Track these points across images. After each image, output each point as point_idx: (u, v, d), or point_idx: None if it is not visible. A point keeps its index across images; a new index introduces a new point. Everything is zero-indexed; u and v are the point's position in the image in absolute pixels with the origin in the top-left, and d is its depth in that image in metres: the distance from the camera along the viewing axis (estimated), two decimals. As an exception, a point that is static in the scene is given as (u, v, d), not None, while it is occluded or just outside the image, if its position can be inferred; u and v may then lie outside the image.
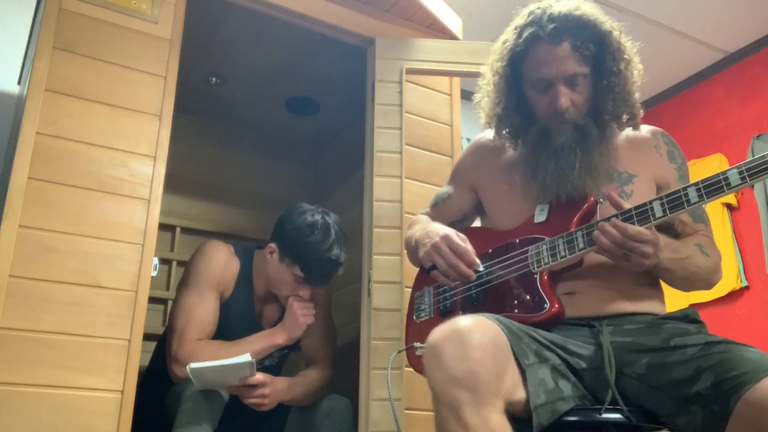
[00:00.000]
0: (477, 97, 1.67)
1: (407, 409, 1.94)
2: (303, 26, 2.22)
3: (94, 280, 1.67)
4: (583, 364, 1.36)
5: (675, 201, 1.34)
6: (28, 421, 1.53)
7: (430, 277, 1.57)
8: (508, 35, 1.54)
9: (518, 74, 1.55)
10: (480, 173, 1.71)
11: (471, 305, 1.52)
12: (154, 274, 1.76)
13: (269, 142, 3.19)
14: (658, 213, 1.35)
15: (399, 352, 1.61)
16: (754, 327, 3.22)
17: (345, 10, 2.24)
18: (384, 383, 1.92)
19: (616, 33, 1.49)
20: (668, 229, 1.48)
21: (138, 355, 1.68)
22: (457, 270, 1.45)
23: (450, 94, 2.40)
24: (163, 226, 2.51)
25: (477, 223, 1.78)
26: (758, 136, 3.38)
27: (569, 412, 1.28)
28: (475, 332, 1.19)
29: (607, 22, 1.50)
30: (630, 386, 1.34)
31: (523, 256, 1.48)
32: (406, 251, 1.78)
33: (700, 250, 1.48)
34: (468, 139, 4.15)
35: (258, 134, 3.18)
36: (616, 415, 1.31)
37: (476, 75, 2.30)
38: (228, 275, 2.10)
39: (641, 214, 1.36)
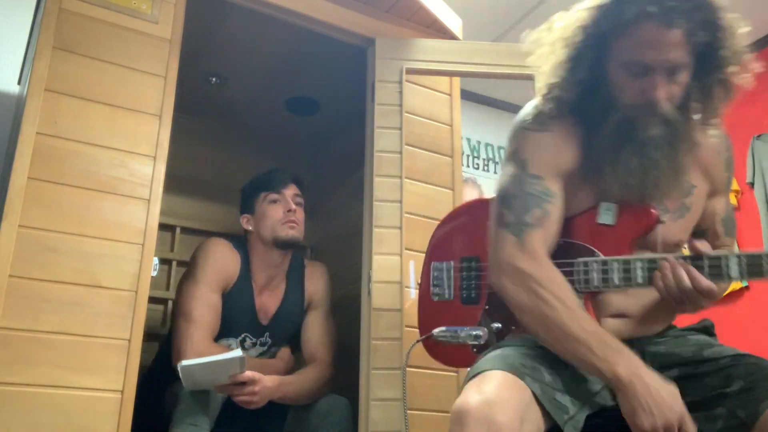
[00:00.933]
0: (533, 61, 1.38)
1: (407, 409, 1.93)
2: (303, 26, 2.22)
3: (94, 280, 1.67)
4: None
5: (755, 267, 1.19)
6: (28, 421, 1.52)
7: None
8: (601, 1, 1.27)
9: (605, 48, 1.28)
10: (570, 156, 1.36)
11: (500, 302, 1.35)
12: (154, 274, 1.76)
13: (269, 142, 3.19)
14: (734, 273, 1.20)
15: (418, 341, 1.50)
16: (754, 327, 3.22)
17: (345, 10, 2.24)
18: (384, 383, 1.92)
19: (728, 20, 1.27)
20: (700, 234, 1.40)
21: (138, 355, 1.68)
22: None
23: (450, 94, 2.40)
24: (163, 226, 2.51)
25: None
26: (758, 136, 3.38)
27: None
28: (501, 411, 1.07)
29: (723, 6, 1.27)
30: None
31: (568, 269, 1.31)
32: (527, 316, 1.27)
33: None
34: (468, 139, 4.15)
35: (258, 134, 3.18)
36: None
37: (476, 75, 2.32)
38: (231, 270, 2.17)
39: (714, 268, 1.21)
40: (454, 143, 2.33)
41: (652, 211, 1.31)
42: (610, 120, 1.29)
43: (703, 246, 1.23)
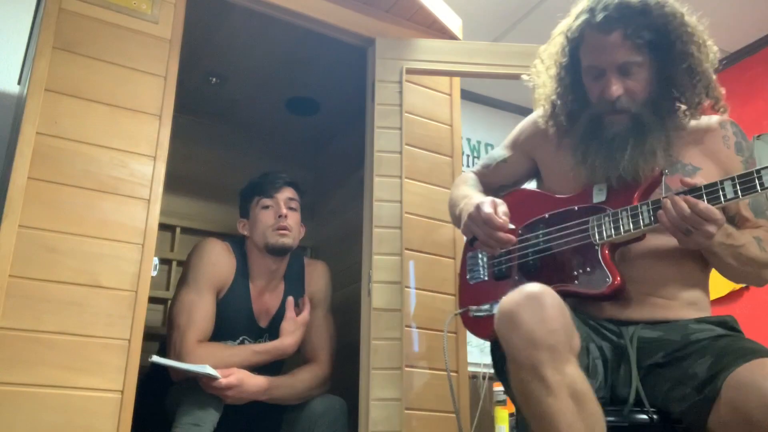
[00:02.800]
0: (531, 77, 1.66)
1: (407, 409, 1.94)
2: (303, 26, 2.22)
3: (94, 280, 1.67)
4: (608, 354, 1.39)
5: (748, 183, 1.28)
6: (28, 421, 1.52)
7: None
8: (569, 20, 1.52)
9: (576, 60, 1.52)
10: (539, 144, 1.67)
11: (527, 271, 1.52)
12: (154, 274, 1.76)
13: (269, 142, 3.19)
14: (729, 194, 1.29)
15: (456, 315, 1.63)
16: (754, 327, 3.21)
17: (345, 10, 2.24)
18: (384, 383, 1.92)
19: (679, 18, 1.45)
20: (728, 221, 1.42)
21: (138, 355, 1.67)
22: (494, 238, 1.43)
23: (450, 94, 2.40)
24: (163, 226, 2.51)
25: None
26: (758, 136, 3.37)
27: None
28: (547, 295, 1.19)
29: (670, 5, 1.45)
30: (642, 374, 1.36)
31: (583, 226, 1.46)
32: (450, 214, 1.74)
33: (757, 243, 1.43)
34: (468, 139, 4.15)
35: (258, 134, 3.18)
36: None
37: (476, 75, 2.32)
38: (226, 272, 2.15)
39: (711, 193, 1.31)
40: (454, 143, 2.33)
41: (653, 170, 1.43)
42: (583, 118, 1.52)
43: (697, 180, 1.35)
